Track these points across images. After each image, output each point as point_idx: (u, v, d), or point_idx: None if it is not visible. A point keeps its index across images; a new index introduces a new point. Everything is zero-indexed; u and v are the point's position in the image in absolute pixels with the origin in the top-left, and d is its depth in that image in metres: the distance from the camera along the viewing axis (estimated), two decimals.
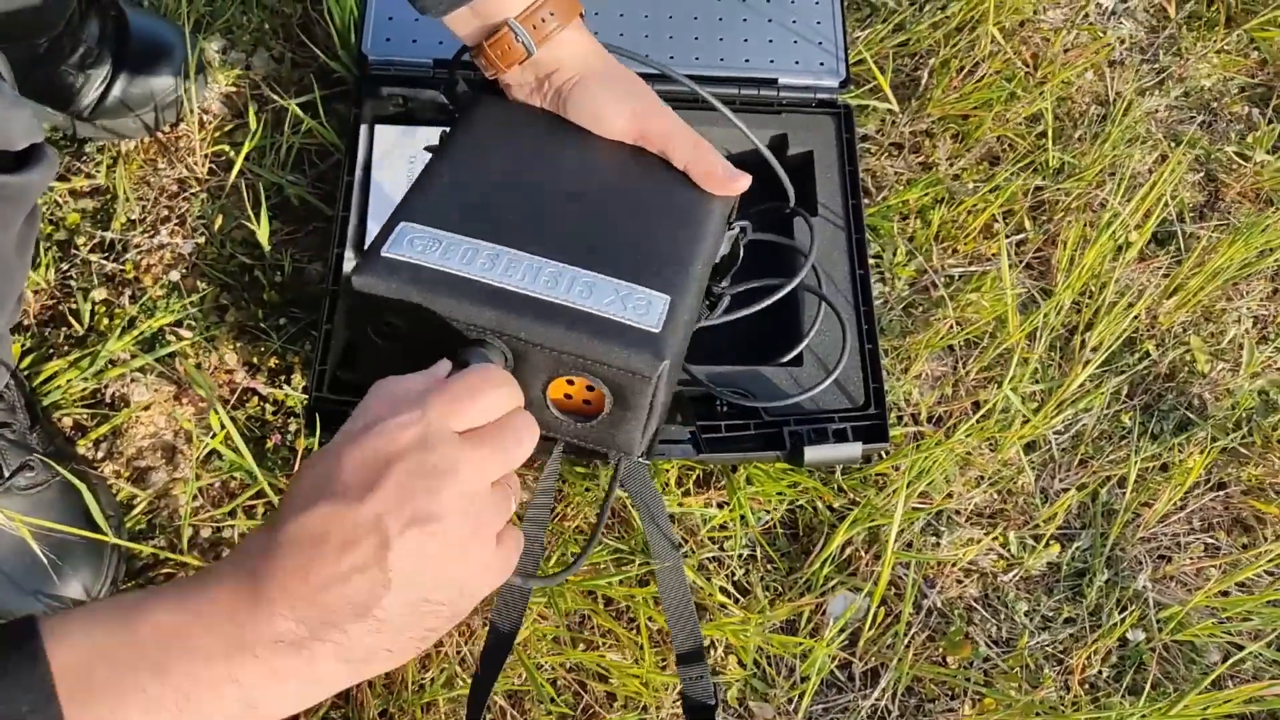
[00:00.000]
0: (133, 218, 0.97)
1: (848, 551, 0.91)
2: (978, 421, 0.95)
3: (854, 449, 0.82)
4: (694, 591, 0.83)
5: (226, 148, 1.00)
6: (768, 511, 0.91)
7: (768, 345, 0.87)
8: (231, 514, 0.85)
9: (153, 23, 0.99)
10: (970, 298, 0.98)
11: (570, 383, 0.56)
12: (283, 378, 0.90)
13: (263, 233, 0.90)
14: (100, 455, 0.88)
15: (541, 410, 0.57)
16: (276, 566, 0.42)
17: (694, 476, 0.90)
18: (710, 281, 0.71)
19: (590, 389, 0.56)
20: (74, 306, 0.91)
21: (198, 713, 0.41)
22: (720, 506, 0.90)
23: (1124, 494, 0.94)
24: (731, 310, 0.75)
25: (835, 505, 0.92)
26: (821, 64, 0.99)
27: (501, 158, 0.65)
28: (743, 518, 0.89)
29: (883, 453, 0.89)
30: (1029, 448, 0.96)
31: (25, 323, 0.91)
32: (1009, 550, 0.93)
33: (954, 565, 0.92)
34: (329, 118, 0.99)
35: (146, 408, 0.90)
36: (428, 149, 0.70)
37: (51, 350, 0.90)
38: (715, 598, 0.86)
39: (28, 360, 0.88)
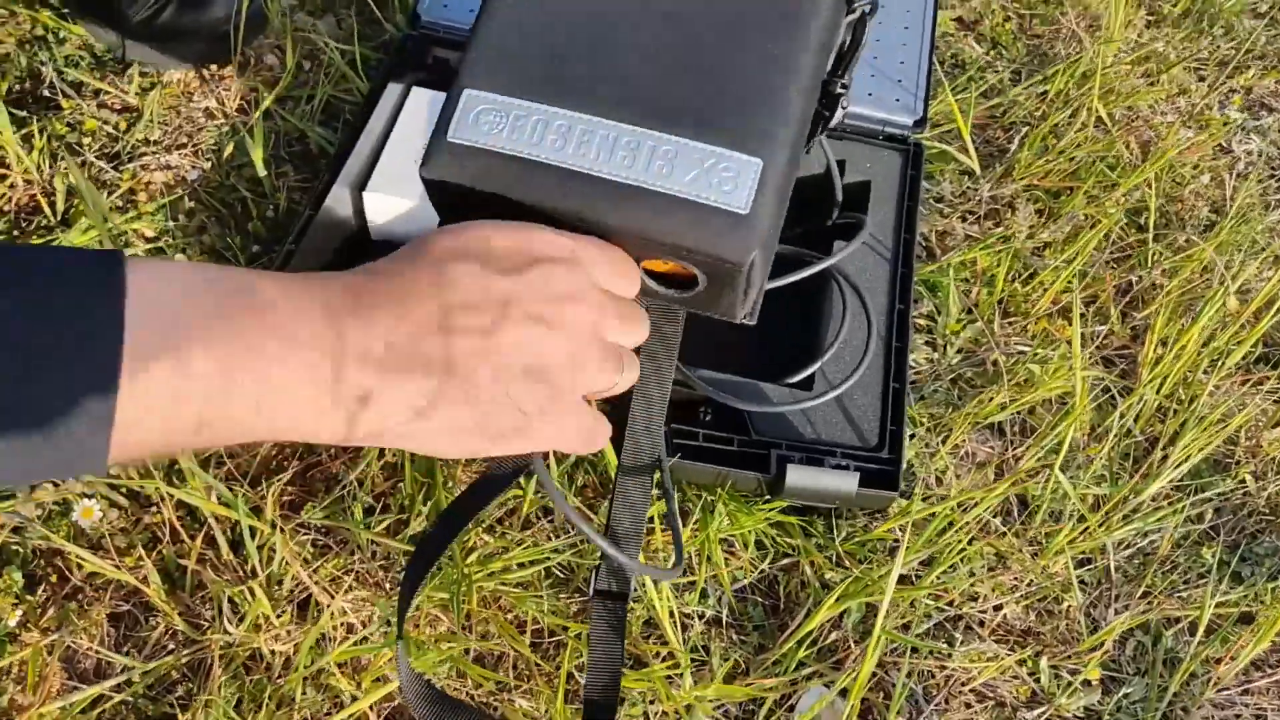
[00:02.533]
0: (151, 138, 0.93)
1: (833, 636, 0.74)
2: (1021, 518, 0.78)
3: (848, 481, 0.68)
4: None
5: (263, 89, 0.96)
6: (742, 570, 0.75)
7: (777, 362, 0.74)
8: None
9: None
10: (1032, 370, 0.83)
11: (665, 261, 0.52)
12: None
13: (257, 156, 0.84)
14: None
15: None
16: (394, 293, 0.43)
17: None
18: (830, 79, 0.61)
19: (684, 266, 0.52)
20: (54, 201, 0.86)
21: (248, 390, 0.38)
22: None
23: (1193, 641, 0.75)
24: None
25: (827, 576, 0.75)
26: (897, 100, 0.90)
27: None
28: (714, 576, 0.74)
29: (890, 509, 0.74)
30: (1081, 561, 0.78)
31: (4, 208, 0.86)
32: (1039, 681, 0.74)
33: (965, 684, 0.73)
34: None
35: None
36: None
37: (18, 235, 0.84)
38: (657, 650, 0.70)
39: None
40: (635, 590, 0.65)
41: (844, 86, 0.64)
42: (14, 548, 0.72)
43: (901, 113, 0.90)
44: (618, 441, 0.58)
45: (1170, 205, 0.98)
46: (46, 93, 0.94)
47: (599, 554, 0.62)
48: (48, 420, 0.34)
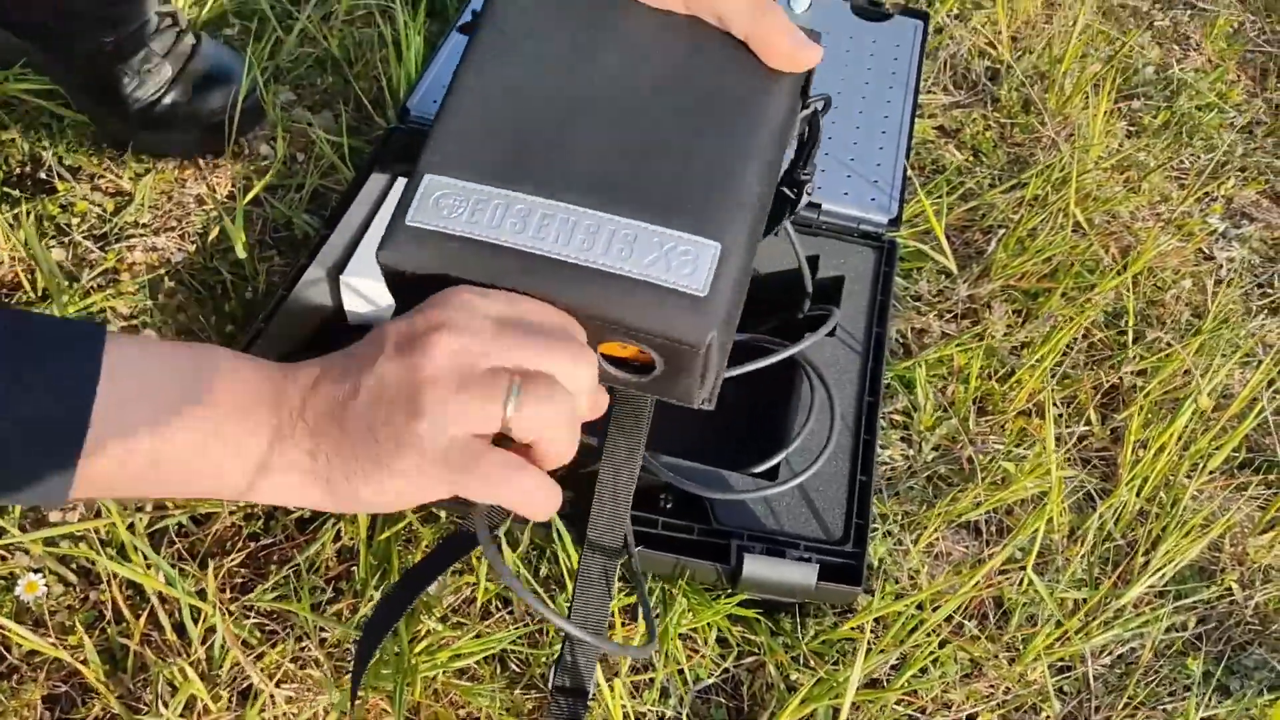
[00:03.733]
0: (141, 221, 0.95)
1: None
2: (997, 621, 0.75)
3: (807, 573, 0.65)
4: None
5: (254, 178, 0.99)
6: (704, 668, 0.73)
7: (743, 452, 0.73)
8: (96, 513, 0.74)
9: (223, 51, 1.02)
10: (1007, 468, 0.81)
11: (623, 345, 0.51)
12: None
13: (238, 238, 0.86)
14: None
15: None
16: (314, 368, 0.47)
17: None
18: (793, 168, 0.63)
19: (642, 350, 0.51)
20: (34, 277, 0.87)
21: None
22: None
23: None
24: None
25: (793, 676, 0.72)
26: (873, 199, 0.91)
27: (529, 61, 0.56)
28: (680, 671, 0.71)
29: (855, 605, 0.71)
30: (1059, 669, 0.75)
31: None
32: None
33: None
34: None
35: None
36: (461, 29, 0.64)
37: None
38: None
39: None
40: (593, 689, 0.63)
41: (806, 175, 0.65)
42: None
43: (876, 211, 0.91)
44: (582, 526, 0.57)
45: (1151, 309, 0.97)
46: (44, 175, 0.96)
47: (559, 646, 0.60)
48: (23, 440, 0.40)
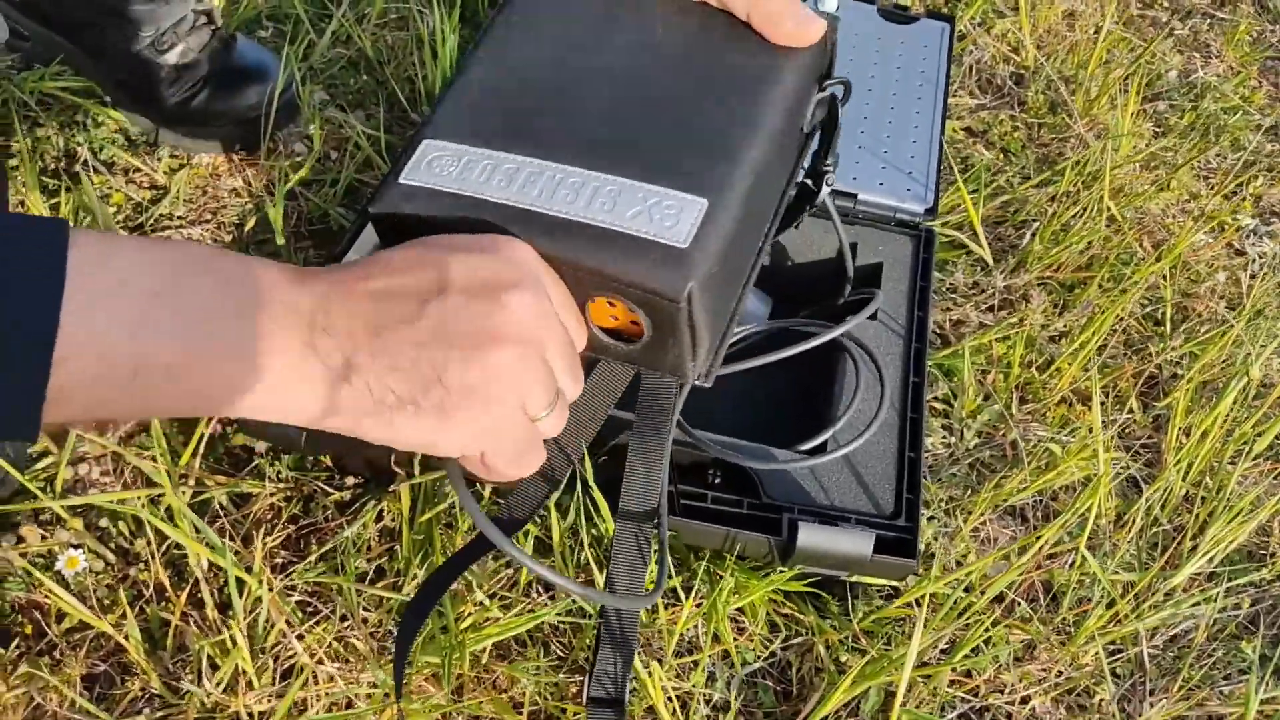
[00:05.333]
0: (176, 213, 0.95)
1: None
2: (1047, 604, 0.74)
3: (862, 542, 0.64)
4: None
5: (290, 173, 0.99)
6: (752, 651, 0.71)
7: (789, 432, 0.72)
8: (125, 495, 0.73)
9: (258, 50, 1.03)
10: (1053, 450, 0.80)
11: (611, 304, 0.50)
12: None
13: (277, 224, 0.86)
14: None
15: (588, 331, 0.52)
16: (334, 272, 0.41)
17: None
18: (815, 160, 0.62)
19: (631, 310, 0.49)
20: None
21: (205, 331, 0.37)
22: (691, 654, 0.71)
23: None
24: (757, 355, 0.66)
25: (842, 658, 0.71)
26: (908, 190, 0.92)
27: (541, 42, 0.57)
28: (725, 654, 0.70)
29: (906, 583, 0.70)
30: (1111, 651, 0.74)
31: None
32: None
33: None
34: None
35: None
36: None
37: None
38: None
39: None
40: (630, 694, 0.61)
41: (828, 167, 0.65)
42: None
43: (912, 201, 0.91)
44: (616, 496, 0.56)
45: (1186, 300, 0.97)
46: (79, 169, 0.97)
47: (591, 656, 0.59)
48: None
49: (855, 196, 0.91)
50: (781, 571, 0.70)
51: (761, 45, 0.55)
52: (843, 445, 0.71)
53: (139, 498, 0.69)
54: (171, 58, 0.96)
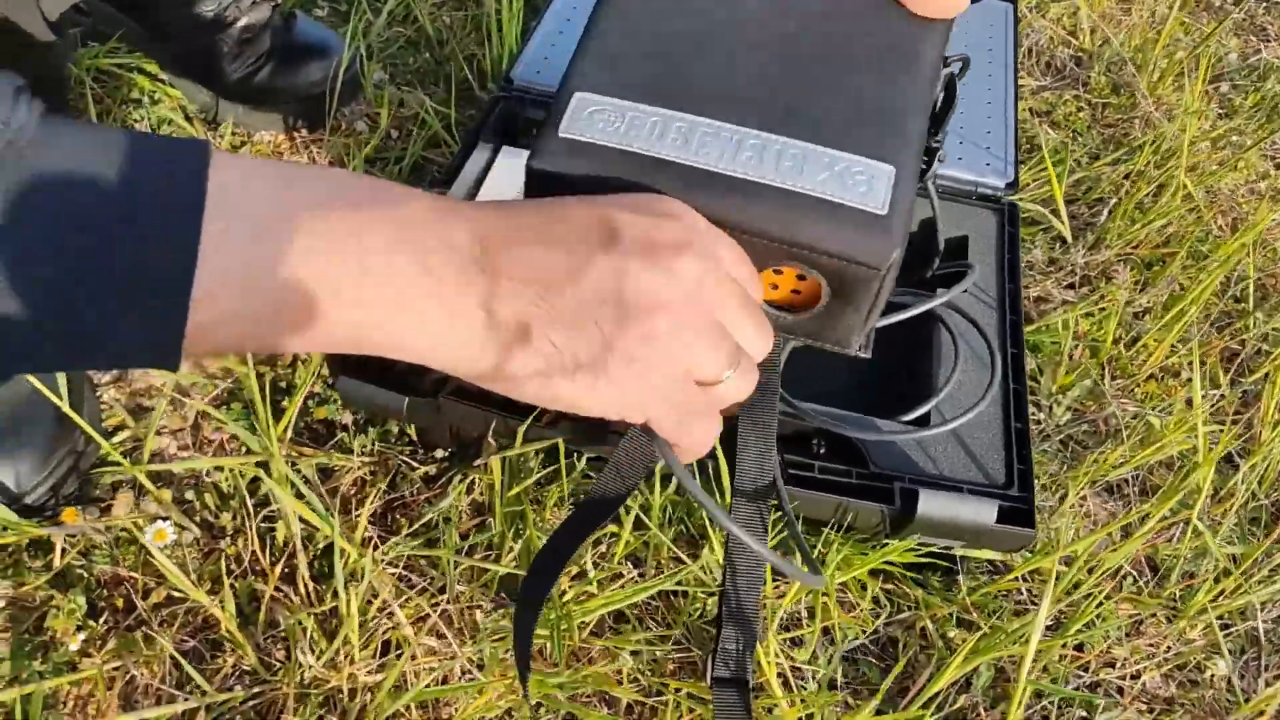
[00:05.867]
0: None
1: (960, 701, 0.67)
2: (1154, 581, 0.73)
3: (985, 510, 0.63)
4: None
5: (354, 151, 0.97)
6: (855, 629, 0.70)
7: (888, 403, 0.71)
8: (217, 469, 0.71)
9: (319, 27, 1.01)
10: (1152, 423, 0.79)
11: (778, 272, 0.48)
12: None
13: None
14: (107, 378, 0.77)
15: None
16: (482, 208, 0.39)
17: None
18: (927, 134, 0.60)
19: (801, 278, 0.47)
20: None
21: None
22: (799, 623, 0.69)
23: None
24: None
25: (950, 634, 0.69)
26: (988, 165, 0.90)
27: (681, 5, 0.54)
28: (826, 630, 0.68)
29: (1016, 557, 0.68)
30: (1223, 626, 0.72)
31: None
32: None
33: None
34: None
35: None
36: None
37: None
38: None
39: None
40: (754, 673, 0.59)
41: (938, 143, 0.64)
42: (78, 571, 0.67)
43: (993, 175, 0.89)
44: (729, 471, 0.54)
45: (1267, 279, 0.96)
46: None
47: (697, 604, 0.57)
48: (124, 286, 0.31)
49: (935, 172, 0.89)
50: (886, 545, 0.69)
51: (903, 13, 0.53)
52: (948, 416, 0.69)
53: (239, 465, 0.67)
54: (234, 32, 0.94)
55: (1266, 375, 0.84)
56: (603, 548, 0.71)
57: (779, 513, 0.62)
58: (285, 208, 0.34)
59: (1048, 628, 0.71)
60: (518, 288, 0.37)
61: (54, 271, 0.31)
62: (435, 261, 0.36)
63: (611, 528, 0.70)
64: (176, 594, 0.66)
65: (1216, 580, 0.72)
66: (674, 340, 0.39)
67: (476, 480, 0.72)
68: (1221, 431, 0.82)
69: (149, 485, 0.66)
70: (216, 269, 0.32)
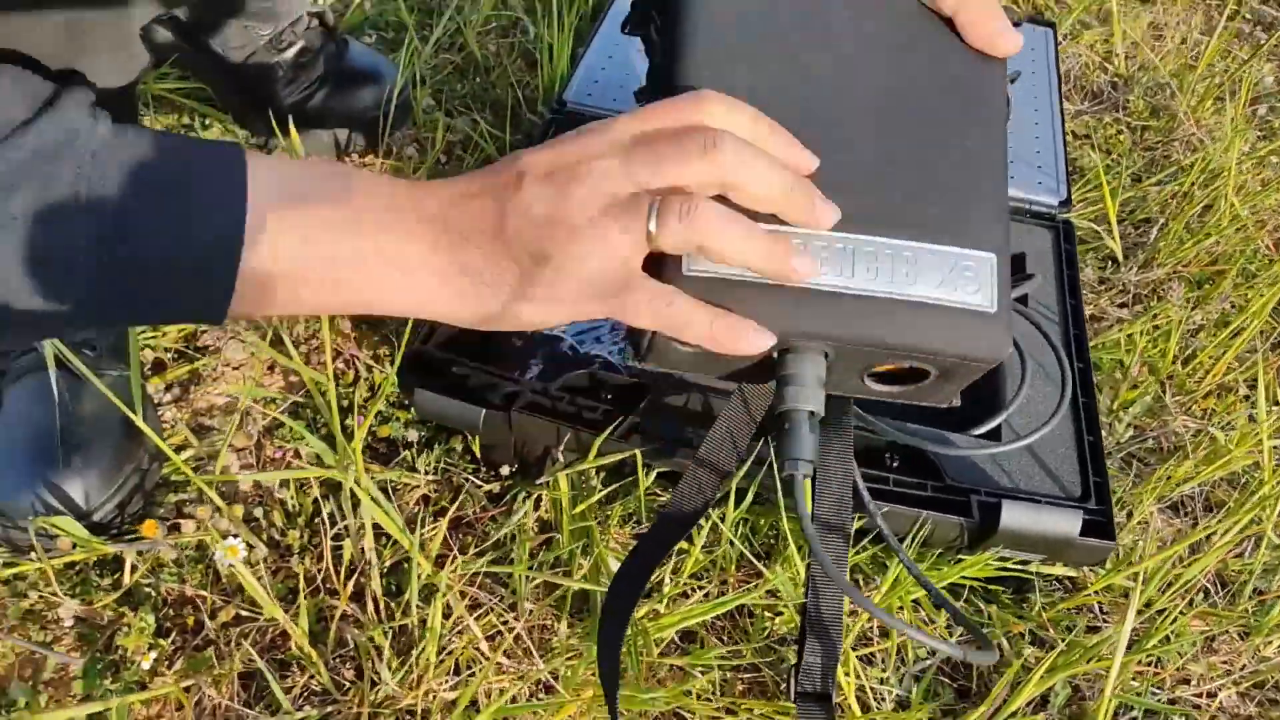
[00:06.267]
0: None
1: (1037, 718, 0.66)
2: (1225, 599, 0.72)
3: (1069, 521, 0.62)
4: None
5: (405, 169, 0.98)
6: (932, 651, 0.69)
7: (957, 418, 0.70)
8: (283, 484, 0.71)
9: (370, 53, 1.02)
10: (1217, 437, 0.78)
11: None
12: (388, 360, 0.79)
13: None
14: (168, 398, 0.77)
15: (851, 379, 0.51)
16: (436, 185, 0.46)
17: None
18: None
19: (911, 365, 0.49)
20: None
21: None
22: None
23: None
24: None
25: (1025, 653, 0.69)
26: (1040, 183, 0.91)
27: (747, 61, 0.50)
28: (899, 650, 0.67)
29: (1091, 573, 0.68)
30: None
31: None
32: None
33: None
34: None
35: (236, 367, 0.80)
36: (625, 28, 0.63)
37: None
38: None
39: None
40: (835, 689, 0.58)
41: None
42: (146, 589, 0.66)
43: (1045, 194, 0.90)
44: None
45: None
46: None
47: (797, 649, 0.57)
48: (181, 253, 0.41)
49: None
50: (960, 560, 0.68)
51: (971, 54, 0.52)
52: (1019, 431, 0.69)
53: (321, 475, 0.67)
54: (289, 56, 0.95)
55: None
56: (670, 565, 0.70)
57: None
58: (310, 195, 0.44)
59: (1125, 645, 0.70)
60: (475, 241, 0.44)
61: (130, 250, 0.41)
62: (418, 231, 0.44)
63: (682, 544, 0.70)
64: (245, 613, 0.66)
65: None
66: (592, 238, 0.43)
67: (542, 497, 0.72)
68: None
69: (219, 501, 0.66)
70: (255, 243, 0.42)
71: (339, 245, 0.43)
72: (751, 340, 0.45)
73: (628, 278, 0.44)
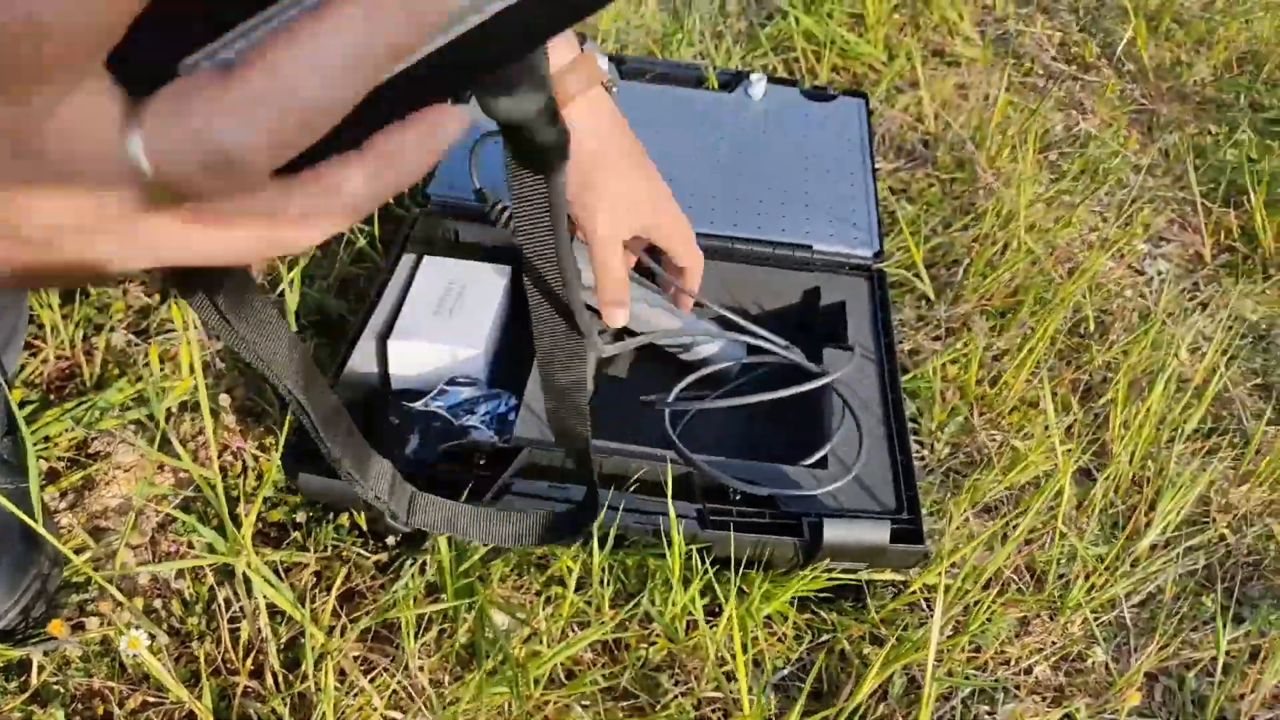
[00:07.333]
0: (186, 317, 0.99)
1: (880, 709, 0.76)
2: (1032, 585, 0.83)
3: (880, 530, 0.72)
4: None
5: (283, 270, 1.04)
6: (789, 658, 0.78)
7: (791, 448, 0.80)
8: (179, 574, 0.76)
9: None
10: (1017, 446, 0.90)
11: None
12: (274, 448, 0.85)
13: (291, 301, 0.92)
14: (63, 505, 0.82)
15: None
16: None
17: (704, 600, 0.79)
18: None
19: None
20: (93, 369, 0.90)
21: None
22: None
23: (1215, 679, 0.78)
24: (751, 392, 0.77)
25: (864, 652, 0.78)
26: (856, 238, 1.03)
27: None
28: (756, 662, 0.76)
29: (912, 571, 0.78)
30: (1096, 618, 0.82)
31: (37, 379, 0.90)
32: None
33: None
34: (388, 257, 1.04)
35: (127, 469, 0.85)
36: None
37: (53, 398, 0.88)
38: None
39: (28, 409, 0.86)
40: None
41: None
42: (54, 687, 0.70)
43: (861, 247, 1.02)
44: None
45: (1104, 315, 1.10)
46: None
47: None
48: None
49: (810, 247, 1.01)
50: (801, 576, 0.77)
51: None
52: (844, 462, 0.79)
53: (216, 562, 0.73)
54: None
55: (1112, 399, 0.97)
56: (550, 609, 0.78)
57: None
58: None
59: (949, 635, 0.81)
60: None
61: None
62: None
63: (557, 589, 0.77)
64: (152, 699, 0.71)
65: (1086, 578, 0.83)
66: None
67: (427, 561, 0.78)
68: (1076, 449, 0.94)
69: (119, 596, 0.71)
70: None
71: None
72: None
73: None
